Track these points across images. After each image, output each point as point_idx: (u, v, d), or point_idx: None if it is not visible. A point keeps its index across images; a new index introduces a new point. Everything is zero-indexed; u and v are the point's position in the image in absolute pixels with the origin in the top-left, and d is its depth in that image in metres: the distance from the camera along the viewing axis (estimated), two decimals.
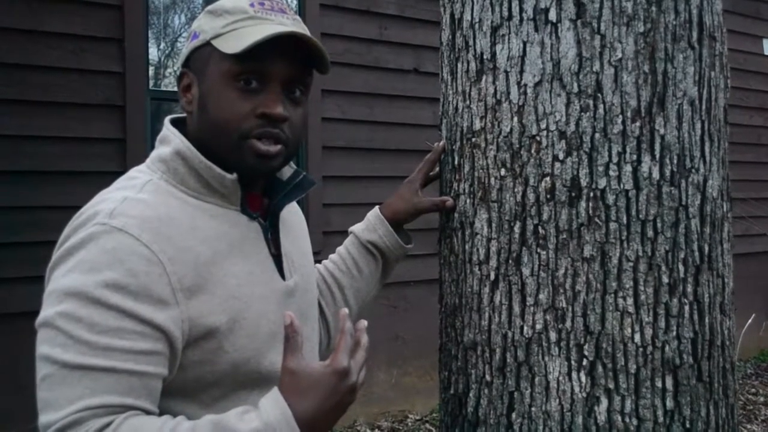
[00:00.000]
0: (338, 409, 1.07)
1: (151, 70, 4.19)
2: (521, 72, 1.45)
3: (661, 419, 1.38)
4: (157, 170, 1.20)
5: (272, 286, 1.25)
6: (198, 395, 1.13)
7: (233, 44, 1.15)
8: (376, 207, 1.65)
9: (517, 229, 1.45)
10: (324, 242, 4.34)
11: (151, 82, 4.14)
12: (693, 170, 1.43)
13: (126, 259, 1.06)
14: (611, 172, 1.39)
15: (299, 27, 1.20)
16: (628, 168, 1.39)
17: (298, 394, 1.04)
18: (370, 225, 1.63)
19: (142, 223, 1.09)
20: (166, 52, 4.48)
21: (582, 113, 1.40)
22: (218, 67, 1.17)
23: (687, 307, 1.41)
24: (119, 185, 1.20)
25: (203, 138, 1.20)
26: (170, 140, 1.21)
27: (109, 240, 1.07)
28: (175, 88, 4.43)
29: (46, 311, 1.06)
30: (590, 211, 1.39)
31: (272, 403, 1.04)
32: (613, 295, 1.39)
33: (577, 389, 1.39)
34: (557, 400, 1.40)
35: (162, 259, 1.08)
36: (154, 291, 1.07)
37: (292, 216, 1.43)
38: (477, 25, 1.52)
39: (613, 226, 1.39)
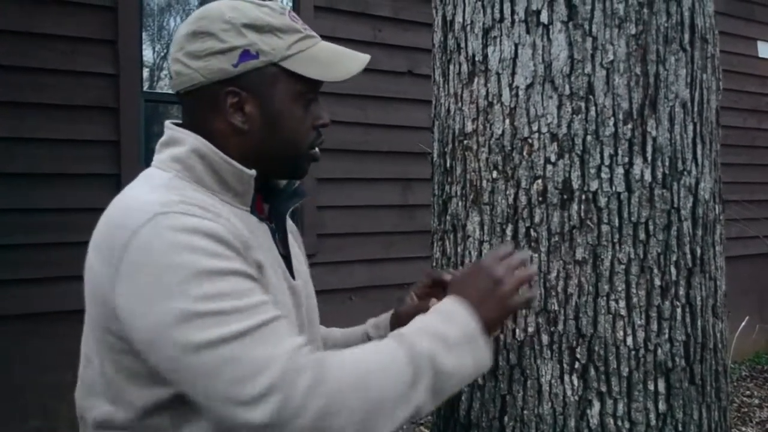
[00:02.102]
0: (486, 302, 1.20)
1: (146, 72, 4.18)
2: (513, 74, 1.44)
3: (653, 422, 1.38)
4: (172, 170, 1.19)
5: (285, 282, 1.28)
6: None
7: (316, 70, 1.22)
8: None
9: (509, 231, 1.44)
10: (318, 245, 4.34)
11: (146, 85, 4.14)
12: (685, 172, 1.43)
13: (202, 229, 1.07)
14: (603, 175, 1.39)
15: None
16: (620, 170, 1.39)
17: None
18: (378, 322, 1.57)
19: (194, 208, 1.10)
20: (161, 53, 4.47)
21: (574, 115, 1.40)
22: (291, 87, 1.22)
23: (679, 310, 1.41)
24: (140, 183, 1.19)
25: (263, 155, 1.23)
26: (183, 140, 1.20)
27: (177, 222, 1.06)
28: (170, 90, 4.45)
29: (166, 310, 1.02)
30: (582, 214, 1.39)
31: (461, 308, 1.19)
32: (605, 297, 1.38)
33: (569, 392, 1.39)
34: (549, 404, 1.40)
35: (229, 231, 1.11)
36: (239, 248, 1.10)
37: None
38: (469, 27, 1.52)
39: (605, 228, 1.38)
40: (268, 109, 1.22)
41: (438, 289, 1.43)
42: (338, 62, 1.26)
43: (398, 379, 1.09)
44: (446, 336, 1.14)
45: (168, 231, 1.05)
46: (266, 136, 1.23)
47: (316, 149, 1.30)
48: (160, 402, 1.10)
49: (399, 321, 1.45)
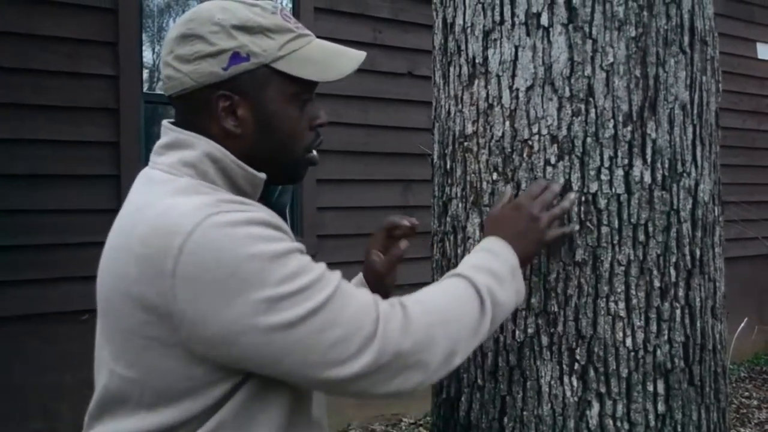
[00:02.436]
0: (523, 239, 1.32)
1: (146, 74, 4.19)
2: (513, 76, 1.45)
3: (652, 423, 1.38)
4: (184, 174, 1.16)
5: None
6: None
7: (309, 70, 1.19)
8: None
9: None
10: (318, 246, 4.34)
11: (146, 86, 4.14)
12: (684, 174, 1.44)
13: (254, 219, 1.09)
14: (603, 177, 1.39)
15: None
16: (620, 172, 1.40)
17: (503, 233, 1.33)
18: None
19: (235, 204, 1.12)
20: (161, 55, 4.48)
21: (574, 117, 1.40)
22: (283, 89, 1.19)
23: (678, 311, 1.42)
24: (159, 190, 1.15)
25: (259, 158, 1.20)
26: (193, 143, 1.17)
27: (229, 218, 1.07)
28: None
29: (247, 302, 1.03)
30: (582, 215, 1.39)
31: (502, 246, 1.30)
32: (604, 299, 1.39)
33: (568, 393, 1.39)
34: (549, 404, 1.40)
35: (271, 217, 1.14)
36: (287, 231, 1.14)
37: None
38: (469, 30, 1.52)
39: (604, 230, 1.39)
40: (260, 112, 1.19)
41: (393, 239, 1.47)
42: (332, 61, 1.22)
43: (470, 312, 1.20)
44: (496, 271, 1.26)
45: (224, 227, 1.04)
46: (260, 139, 1.20)
47: (314, 153, 1.27)
48: (208, 404, 1.10)
49: (375, 280, 1.48)
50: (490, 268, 1.26)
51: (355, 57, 1.25)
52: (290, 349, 1.05)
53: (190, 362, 1.07)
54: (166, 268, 1.03)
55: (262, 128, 1.19)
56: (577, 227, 1.39)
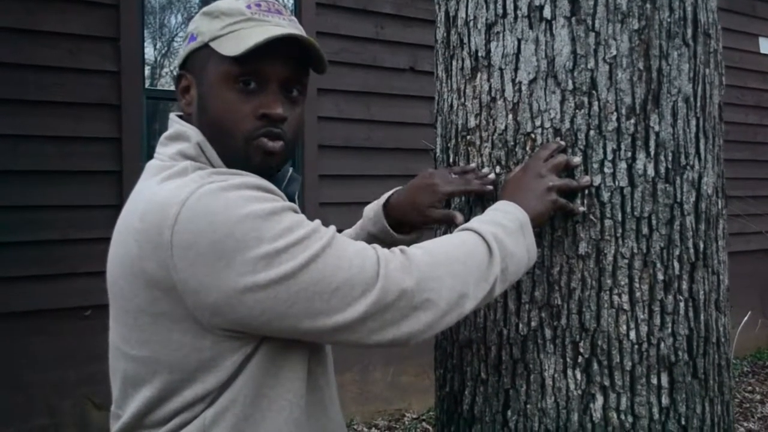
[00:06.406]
0: (529, 198, 1.32)
1: (147, 70, 4.19)
2: (516, 69, 1.45)
3: (656, 416, 1.38)
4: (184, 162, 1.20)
5: None
6: None
7: (232, 46, 1.16)
8: (386, 196, 1.57)
9: None
10: None
11: (147, 82, 4.14)
12: (688, 167, 1.43)
13: (247, 184, 1.10)
14: (606, 169, 1.39)
15: (296, 28, 1.22)
16: (623, 165, 1.39)
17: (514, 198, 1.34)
18: (368, 221, 1.58)
19: (233, 175, 1.15)
20: (162, 51, 4.47)
21: (577, 110, 1.40)
22: (217, 68, 1.18)
23: (682, 304, 1.41)
24: (159, 174, 1.16)
25: (208, 138, 1.21)
26: (189, 135, 1.21)
27: (222, 185, 1.08)
28: (172, 88, 4.47)
29: (245, 261, 1.04)
30: (585, 208, 1.39)
31: (509, 204, 1.31)
32: (608, 292, 1.39)
33: (572, 386, 1.39)
34: (553, 398, 1.40)
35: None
36: (283, 197, 1.15)
37: None
38: (472, 23, 1.52)
39: (608, 223, 1.39)
40: (200, 91, 1.22)
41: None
42: (249, 38, 1.16)
43: (477, 254, 1.20)
44: (502, 223, 1.26)
45: (216, 193, 1.06)
46: (199, 118, 1.22)
47: (266, 141, 1.19)
48: (221, 378, 1.11)
49: (399, 216, 1.53)
50: (494, 219, 1.27)
51: (270, 33, 1.16)
52: (294, 299, 1.05)
53: (197, 334, 1.08)
54: (164, 240, 1.05)
55: (200, 107, 1.22)
56: (582, 209, 1.39)
